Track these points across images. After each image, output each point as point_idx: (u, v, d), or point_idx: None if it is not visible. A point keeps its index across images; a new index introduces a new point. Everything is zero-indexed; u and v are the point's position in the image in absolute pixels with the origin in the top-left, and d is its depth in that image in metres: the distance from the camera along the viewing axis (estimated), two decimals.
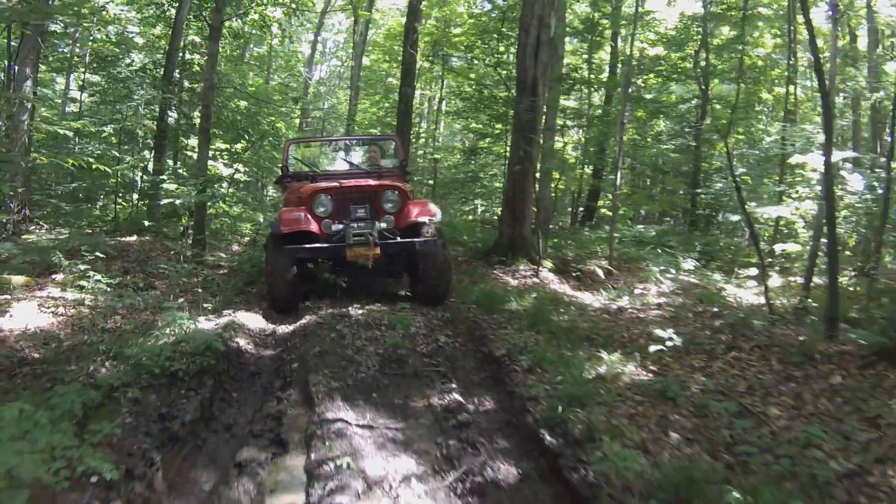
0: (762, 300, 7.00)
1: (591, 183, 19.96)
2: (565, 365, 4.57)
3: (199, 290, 7.10)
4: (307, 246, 6.69)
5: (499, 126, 15.83)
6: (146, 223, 10.99)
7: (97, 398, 3.52)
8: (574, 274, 9.29)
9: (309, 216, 6.84)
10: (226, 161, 14.42)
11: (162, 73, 13.27)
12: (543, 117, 11.39)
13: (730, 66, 16.69)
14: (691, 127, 16.31)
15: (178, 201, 9.34)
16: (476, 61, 17.01)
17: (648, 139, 18.32)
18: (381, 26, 27.53)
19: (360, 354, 5.10)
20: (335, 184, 7.17)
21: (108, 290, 6.29)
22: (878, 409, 3.76)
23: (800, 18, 12.35)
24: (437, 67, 20.94)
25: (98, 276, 6.31)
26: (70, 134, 11.06)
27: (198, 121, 11.10)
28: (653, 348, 5.05)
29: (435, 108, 28.92)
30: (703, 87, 13.53)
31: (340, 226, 6.85)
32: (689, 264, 11.47)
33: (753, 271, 10.61)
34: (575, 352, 4.96)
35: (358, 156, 9.65)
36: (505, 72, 13.23)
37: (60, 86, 16.72)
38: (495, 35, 14.79)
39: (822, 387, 4.23)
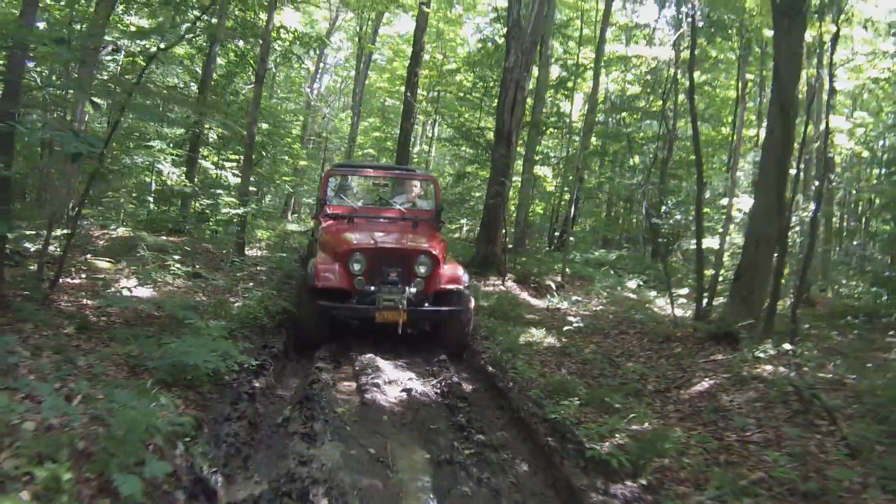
0: (680, 311, 9.59)
1: (568, 209, 22.46)
2: (507, 335, 7.16)
3: (261, 278, 9.50)
4: (340, 305, 6.97)
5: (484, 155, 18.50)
6: (186, 227, 13.41)
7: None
8: (532, 285, 11.86)
9: (343, 272, 6.99)
10: (236, 173, 16.72)
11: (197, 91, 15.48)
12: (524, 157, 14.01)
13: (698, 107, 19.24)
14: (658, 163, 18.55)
15: (225, 210, 11.74)
16: (465, 104, 19.70)
17: (626, 171, 20.96)
18: (383, 49, 29.88)
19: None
20: (371, 243, 7.15)
21: (184, 275, 8.71)
22: (689, 364, 6.33)
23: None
24: (432, 103, 23.66)
25: (178, 265, 8.74)
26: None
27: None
28: (565, 328, 7.66)
29: (429, 133, 31.48)
30: (669, 126, 16.05)
31: (372, 287, 6.96)
32: (632, 283, 14.10)
33: (685, 290, 13.25)
34: (516, 329, 7.55)
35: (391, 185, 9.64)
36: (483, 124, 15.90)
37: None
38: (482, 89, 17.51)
39: (665, 353, 6.83)
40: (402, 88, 21.54)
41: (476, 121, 21.15)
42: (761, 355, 6.28)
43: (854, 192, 23.33)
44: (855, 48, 17.91)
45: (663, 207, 19.80)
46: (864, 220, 23.49)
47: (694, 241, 9.96)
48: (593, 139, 21.39)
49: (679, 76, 16.53)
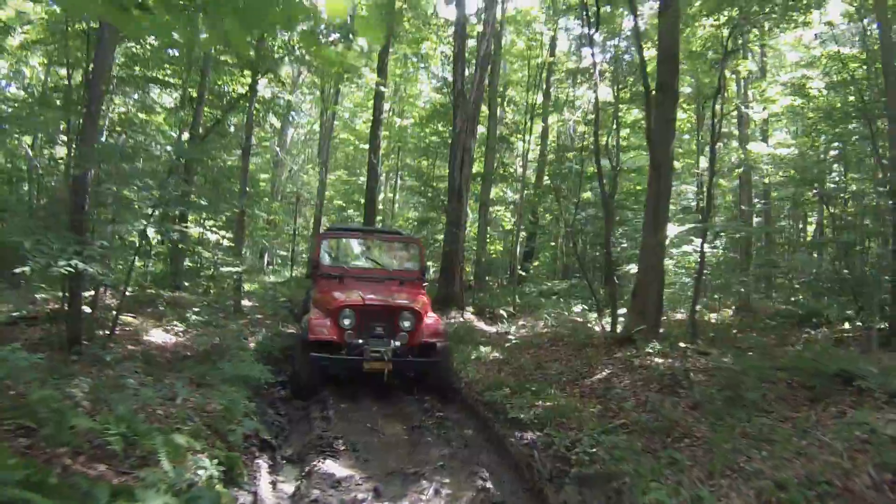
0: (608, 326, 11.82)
1: (527, 245, 24.88)
2: (461, 353, 9.32)
3: (266, 323, 11.51)
4: (330, 357, 7.46)
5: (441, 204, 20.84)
6: (185, 283, 15.38)
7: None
8: (487, 315, 14.06)
9: (334, 327, 7.58)
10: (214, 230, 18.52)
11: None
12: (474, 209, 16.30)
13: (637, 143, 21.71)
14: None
15: (225, 268, 13.76)
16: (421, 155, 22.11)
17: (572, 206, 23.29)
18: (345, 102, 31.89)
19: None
20: (359, 300, 7.77)
21: (200, 324, 10.73)
22: (596, 361, 8.53)
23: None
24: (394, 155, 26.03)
25: (195, 315, 10.77)
26: None
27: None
28: (506, 344, 9.86)
29: (392, 182, 33.72)
30: (614, 162, 18.28)
31: (360, 340, 7.52)
32: (578, 308, 16.34)
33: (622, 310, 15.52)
34: (469, 348, 9.71)
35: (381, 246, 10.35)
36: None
37: None
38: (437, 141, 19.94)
39: (581, 356, 9.02)
40: (365, 143, 23.92)
41: (433, 168, 23.52)
42: (650, 351, 8.50)
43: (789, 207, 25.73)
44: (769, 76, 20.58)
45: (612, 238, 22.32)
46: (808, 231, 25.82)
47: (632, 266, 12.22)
48: (546, 178, 23.82)
49: (620, 113, 19.00)
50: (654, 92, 9.93)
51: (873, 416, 5.50)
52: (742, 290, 15.61)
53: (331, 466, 4.98)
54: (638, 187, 21.79)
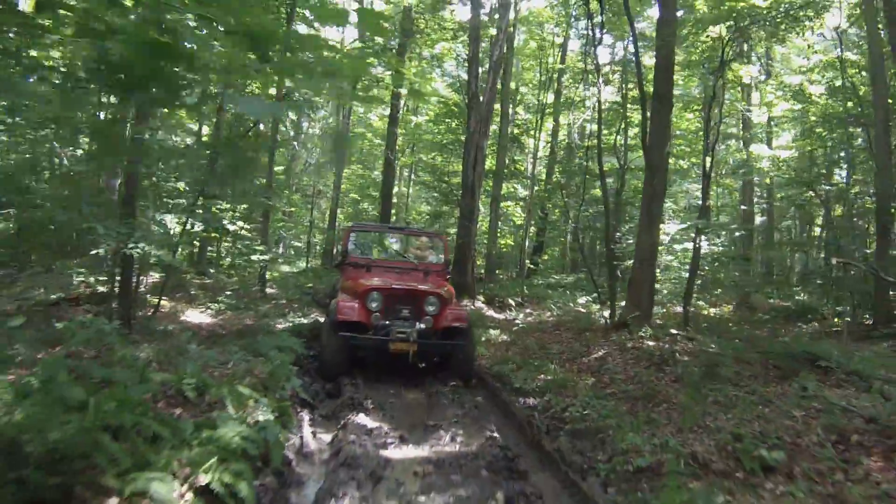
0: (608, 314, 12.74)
1: (536, 240, 25.73)
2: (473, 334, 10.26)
3: (292, 306, 12.47)
4: (358, 336, 7.73)
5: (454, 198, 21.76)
6: (210, 270, 16.42)
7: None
8: (497, 304, 14.98)
9: (362, 309, 7.85)
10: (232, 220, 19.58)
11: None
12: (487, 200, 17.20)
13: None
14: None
15: (255, 257, 14.72)
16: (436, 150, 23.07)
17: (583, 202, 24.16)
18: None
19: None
20: (387, 284, 8.14)
21: (228, 306, 11.72)
22: (594, 343, 9.45)
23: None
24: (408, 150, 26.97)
25: (226, 300, 11.77)
26: None
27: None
28: (514, 328, 10.78)
29: (406, 174, 34.59)
30: (622, 161, 19.10)
31: (387, 322, 7.82)
32: (583, 300, 17.25)
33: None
34: (479, 330, 10.64)
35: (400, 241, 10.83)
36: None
37: None
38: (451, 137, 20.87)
39: (580, 339, 9.94)
40: (379, 138, 24.90)
41: (447, 164, 24.40)
42: (643, 335, 9.41)
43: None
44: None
45: (617, 233, 23.17)
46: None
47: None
48: (557, 174, 24.71)
49: (628, 114, 19.81)
50: (650, 99, 10.83)
51: (831, 391, 6.42)
52: (737, 284, 16.41)
53: (362, 419, 5.93)
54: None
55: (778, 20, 10.83)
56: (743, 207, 22.91)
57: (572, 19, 21.71)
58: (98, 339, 6.04)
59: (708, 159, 12.81)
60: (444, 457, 5.13)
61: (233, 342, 7.92)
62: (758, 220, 24.91)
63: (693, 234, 14.18)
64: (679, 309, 14.91)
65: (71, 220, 8.00)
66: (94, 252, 7.42)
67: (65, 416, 3.63)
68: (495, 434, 5.73)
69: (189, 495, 3.55)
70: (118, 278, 8.53)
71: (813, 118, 18.55)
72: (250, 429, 4.44)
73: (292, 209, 27.36)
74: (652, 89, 11.10)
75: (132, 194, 8.58)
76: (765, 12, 9.99)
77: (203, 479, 3.63)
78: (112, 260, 8.47)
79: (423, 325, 7.93)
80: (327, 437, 5.71)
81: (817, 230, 26.15)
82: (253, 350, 7.23)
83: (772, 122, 23.38)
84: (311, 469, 4.98)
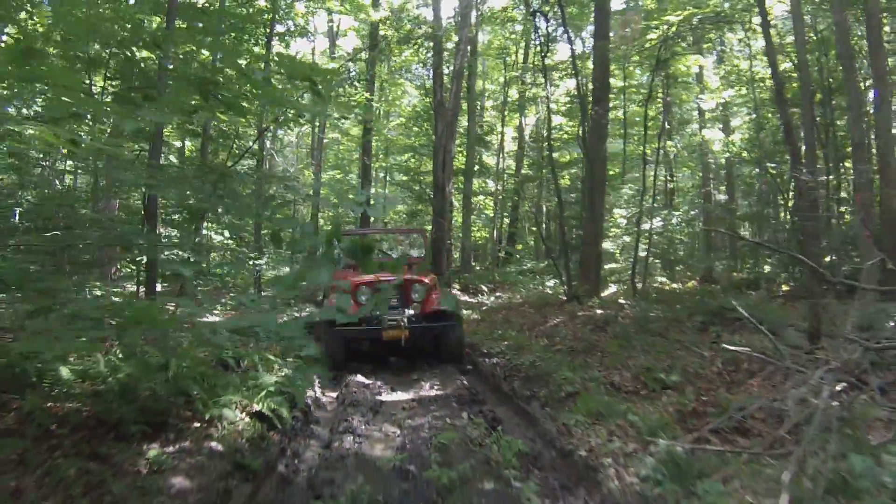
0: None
1: (509, 230, 27.40)
2: None
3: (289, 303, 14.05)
4: (353, 328, 8.21)
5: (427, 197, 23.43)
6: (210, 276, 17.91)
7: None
8: (472, 291, 16.65)
9: (353, 304, 8.14)
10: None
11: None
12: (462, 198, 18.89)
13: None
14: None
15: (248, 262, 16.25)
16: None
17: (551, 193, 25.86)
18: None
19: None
20: (373, 277, 8.23)
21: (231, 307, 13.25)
22: (550, 314, 11.14)
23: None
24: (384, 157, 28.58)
25: (229, 300, 13.30)
26: None
27: None
28: (483, 308, 12.47)
29: (382, 175, 36.13)
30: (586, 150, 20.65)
31: (377, 312, 8.10)
32: (551, 283, 18.96)
33: None
34: None
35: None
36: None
37: None
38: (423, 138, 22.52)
39: (541, 312, 11.63)
40: (352, 143, 26.47)
41: (419, 162, 25.95)
42: (591, 305, 11.11)
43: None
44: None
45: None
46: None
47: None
48: (525, 167, 26.36)
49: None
50: (590, 102, 12.55)
51: (738, 336, 8.10)
52: (697, 260, 18.16)
53: (360, 379, 7.61)
54: (611, 172, 24.22)
55: (701, 30, 12.50)
56: (702, 190, 24.69)
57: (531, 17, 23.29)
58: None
59: (654, 148, 14.49)
60: (425, 397, 6.82)
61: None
62: (722, 199, 26.65)
63: (647, 218, 16.01)
64: (640, 285, 16.70)
65: (103, 236, 9.52)
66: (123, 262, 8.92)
67: (155, 373, 5.22)
68: (465, 382, 7.41)
69: (247, 419, 5.17)
70: (143, 287, 10.05)
71: (750, 103, 20.30)
72: (280, 380, 6.06)
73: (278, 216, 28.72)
74: (583, 97, 12.81)
75: (154, 212, 10.12)
76: (676, 28, 11.61)
77: (255, 407, 5.26)
78: (137, 270, 9.99)
79: (411, 312, 8.51)
80: (334, 394, 7.34)
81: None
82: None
83: (729, 106, 25.14)
84: (325, 413, 6.62)
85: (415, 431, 5.52)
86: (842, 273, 10.14)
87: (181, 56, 6.17)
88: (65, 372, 5.19)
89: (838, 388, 5.34)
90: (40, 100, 6.77)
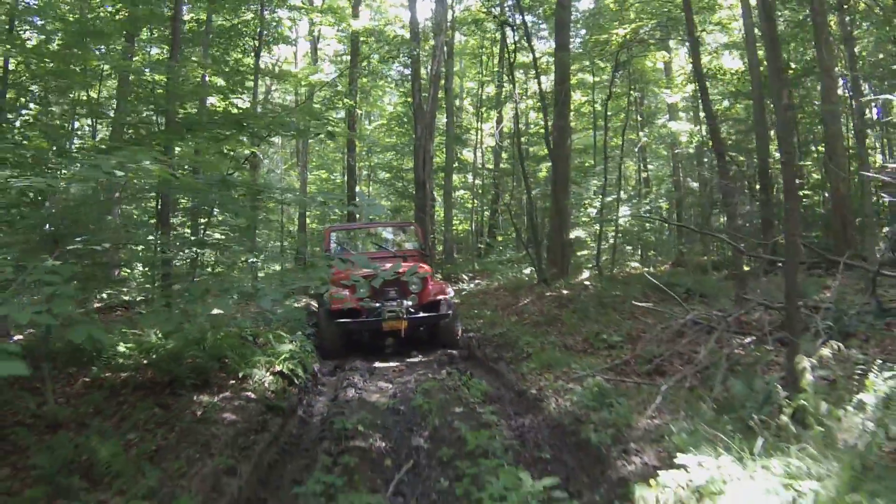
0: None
1: (489, 223, 28.75)
2: None
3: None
4: (354, 321, 8.59)
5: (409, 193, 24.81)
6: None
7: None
8: (453, 279, 18.05)
9: (352, 296, 8.41)
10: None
11: None
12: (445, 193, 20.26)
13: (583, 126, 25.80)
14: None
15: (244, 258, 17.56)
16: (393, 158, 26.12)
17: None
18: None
19: None
20: (372, 271, 9.08)
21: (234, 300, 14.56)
22: (522, 295, 12.56)
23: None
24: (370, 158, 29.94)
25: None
26: None
27: None
28: (462, 293, 13.89)
29: (366, 174, 37.43)
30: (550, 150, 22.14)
31: (377, 304, 8.51)
32: (527, 270, 20.38)
33: None
34: None
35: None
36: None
37: None
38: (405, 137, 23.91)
39: (513, 294, 13.06)
40: (336, 144, 27.78)
41: (401, 160, 27.27)
42: (558, 286, 12.52)
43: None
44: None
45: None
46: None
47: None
48: (503, 161, 27.68)
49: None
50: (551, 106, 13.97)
51: (679, 308, 9.51)
52: (666, 246, 19.62)
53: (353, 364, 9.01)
54: (586, 164, 25.58)
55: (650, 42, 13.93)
56: (672, 179, 26.16)
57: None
58: None
59: (620, 141, 15.82)
60: (411, 363, 8.26)
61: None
62: (694, 186, 28.14)
63: (623, 207, 17.47)
64: (616, 271, 18.12)
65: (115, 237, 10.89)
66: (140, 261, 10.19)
67: (194, 345, 6.57)
68: (445, 351, 8.82)
69: (270, 377, 6.54)
70: (158, 284, 11.35)
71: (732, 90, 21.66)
72: (292, 349, 7.44)
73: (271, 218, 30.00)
74: (544, 101, 14.22)
75: (167, 215, 11.41)
76: (625, 38, 13.01)
77: (277, 368, 6.64)
78: (155, 269, 11.29)
79: (408, 303, 8.80)
80: (334, 363, 8.74)
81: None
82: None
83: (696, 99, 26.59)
84: (329, 378, 8.01)
85: (403, 385, 6.96)
86: (769, 250, 11.55)
87: None
88: (121, 347, 6.56)
89: (747, 340, 6.84)
90: None
